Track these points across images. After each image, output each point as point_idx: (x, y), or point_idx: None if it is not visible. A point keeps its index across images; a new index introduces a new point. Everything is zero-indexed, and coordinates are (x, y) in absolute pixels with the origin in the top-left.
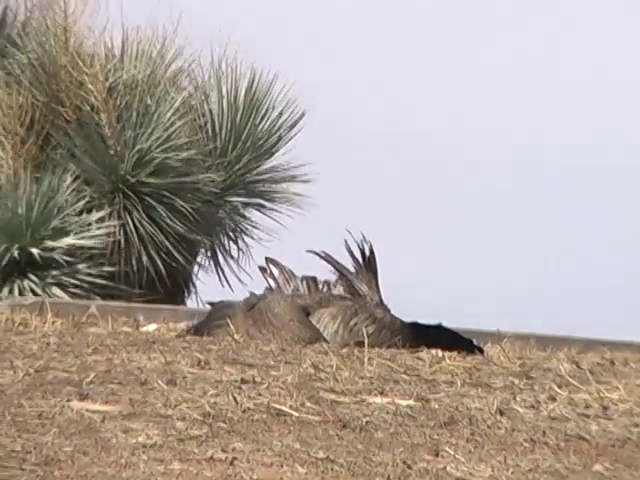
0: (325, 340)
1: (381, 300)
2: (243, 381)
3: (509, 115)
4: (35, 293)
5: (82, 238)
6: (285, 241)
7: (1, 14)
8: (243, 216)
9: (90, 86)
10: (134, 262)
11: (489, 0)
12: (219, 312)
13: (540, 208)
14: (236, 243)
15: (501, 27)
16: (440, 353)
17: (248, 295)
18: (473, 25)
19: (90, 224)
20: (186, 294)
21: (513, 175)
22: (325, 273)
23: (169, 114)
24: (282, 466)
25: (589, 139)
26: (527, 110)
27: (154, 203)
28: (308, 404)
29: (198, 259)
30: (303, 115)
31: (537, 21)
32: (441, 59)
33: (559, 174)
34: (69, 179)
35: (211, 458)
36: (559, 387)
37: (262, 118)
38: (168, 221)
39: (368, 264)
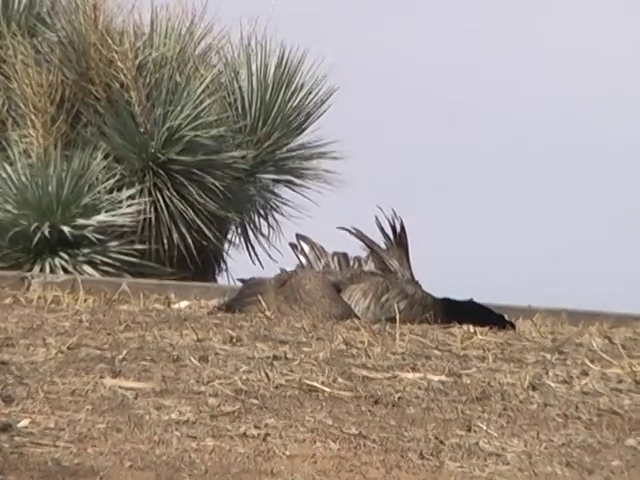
0: (356, 316)
1: (412, 276)
2: (275, 357)
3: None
4: (66, 271)
5: (113, 216)
6: (315, 218)
7: None
8: (273, 193)
9: (120, 64)
10: (165, 240)
11: None
12: (250, 289)
13: (576, 182)
14: (266, 220)
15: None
16: (472, 328)
17: (279, 272)
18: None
19: (121, 202)
20: (217, 271)
21: (549, 150)
22: (356, 249)
23: (199, 91)
24: (315, 442)
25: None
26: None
27: (184, 181)
28: (340, 380)
29: (229, 236)
30: (333, 91)
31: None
32: (475, 34)
33: (600, 150)
34: (99, 157)
35: (244, 434)
36: (591, 362)
37: (292, 95)
38: (198, 198)
39: (399, 240)
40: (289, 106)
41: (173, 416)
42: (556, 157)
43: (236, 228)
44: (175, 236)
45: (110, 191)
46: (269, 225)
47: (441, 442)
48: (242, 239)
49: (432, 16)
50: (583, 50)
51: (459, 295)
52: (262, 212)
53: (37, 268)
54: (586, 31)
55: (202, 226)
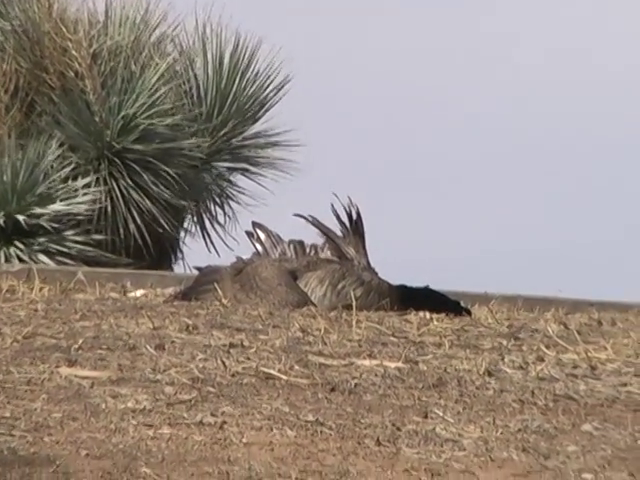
0: (313, 304)
1: (368, 263)
2: (231, 345)
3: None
4: (22, 260)
5: (68, 205)
6: (271, 206)
7: None
8: (229, 181)
9: (74, 52)
10: (121, 229)
11: None
12: (206, 277)
13: (521, 165)
14: (222, 208)
15: None
16: (428, 315)
17: (235, 260)
18: None
19: (76, 191)
20: (173, 260)
21: (489, 132)
22: (312, 237)
23: (154, 80)
24: (272, 429)
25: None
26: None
27: (140, 169)
28: (297, 367)
29: (185, 225)
30: (288, 80)
31: None
32: (425, 18)
33: (526, 124)
34: (54, 146)
35: (200, 422)
36: (547, 348)
37: (247, 83)
38: (154, 187)
39: (355, 228)
40: (244, 94)
41: (129, 405)
42: (510, 140)
43: (192, 216)
44: (131, 225)
45: (65, 180)
46: (225, 213)
47: (398, 429)
48: (198, 227)
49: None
50: (549, 38)
51: (415, 282)
52: (218, 200)
53: None
54: (554, 21)
55: (158, 215)
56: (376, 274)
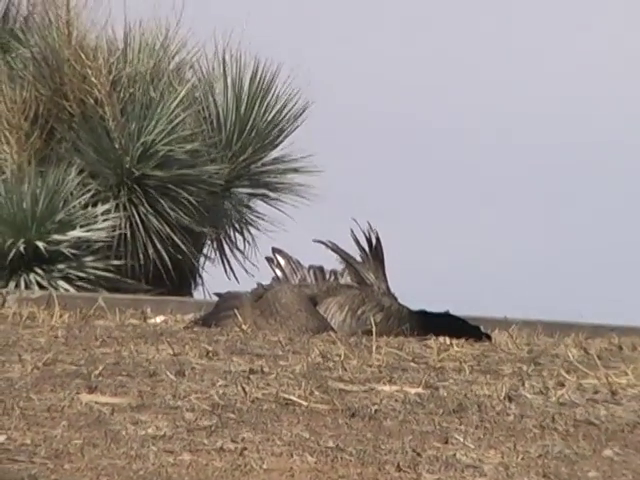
0: (333, 329)
1: (388, 288)
2: (251, 371)
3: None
4: (42, 287)
5: (88, 231)
6: (291, 232)
7: (4, 9)
8: (248, 207)
9: (94, 79)
10: (140, 255)
11: None
12: (226, 303)
13: (543, 192)
14: (242, 234)
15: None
16: (448, 340)
17: (255, 286)
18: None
19: (96, 217)
20: (193, 286)
21: (512, 159)
22: (332, 263)
23: (173, 106)
24: (292, 455)
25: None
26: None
27: (159, 196)
28: (317, 393)
29: (204, 251)
30: (307, 106)
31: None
32: (447, 50)
33: (558, 159)
34: (74, 172)
35: (221, 448)
36: (567, 373)
37: (266, 109)
38: (173, 213)
39: (375, 253)
40: (264, 120)
41: (150, 431)
42: (533, 167)
43: (212, 242)
44: (150, 251)
45: (85, 207)
46: (245, 239)
47: (418, 454)
48: (218, 253)
49: (402, 34)
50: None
51: (435, 307)
52: (237, 226)
53: (12, 284)
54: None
55: (177, 241)
56: (396, 299)
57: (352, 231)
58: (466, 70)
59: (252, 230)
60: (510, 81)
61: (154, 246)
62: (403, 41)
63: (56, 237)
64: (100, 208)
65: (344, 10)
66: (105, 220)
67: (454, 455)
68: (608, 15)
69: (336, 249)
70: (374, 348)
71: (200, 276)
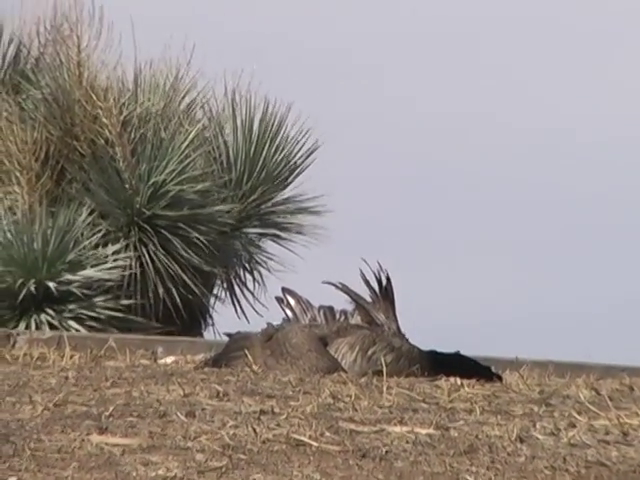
0: (343, 370)
1: (399, 329)
2: (262, 412)
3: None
4: (53, 327)
5: (99, 271)
6: (301, 272)
7: (14, 50)
8: (258, 247)
9: (104, 120)
10: (151, 294)
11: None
12: (236, 343)
13: (555, 231)
14: (252, 274)
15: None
16: (458, 381)
17: (265, 326)
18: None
19: (106, 257)
20: (203, 326)
21: (520, 196)
22: (342, 303)
23: (183, 146)
24: None
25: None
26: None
27: (169, 235)
28: (327, 434)
29: (214, 291)
30: (317, 145)
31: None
32: (452, 85)
33: (578, 195)
34: (85, 213)
35: None
36: (578, 414)
37: (276, 149)
38: (184, 253)
39: (385, 293)
40: (274, 160)
41: (160, 472)
42: (540, 203)
43: (222, 282)
44: (161, 291)
45: (95, 247)
46: (255, 279)
47: None
48: (228, 293)
49: (409, 67)
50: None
51: (445, 347)
52: (248, 266)
53: (23, 325)
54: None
55: (188, 281)
56: (406, 340)
57: (361, 271)
58: (482, 114)
59: (262, 270)
60: (527, 129)
61: (164, 285)
62: (415, 80)
63: (67, 277)
64: (110, 248)
65: (349, 50)
66: (115, 260)
67: None
68: None
69: (346, 290)
70: (385, 389)
71: (210, 316)
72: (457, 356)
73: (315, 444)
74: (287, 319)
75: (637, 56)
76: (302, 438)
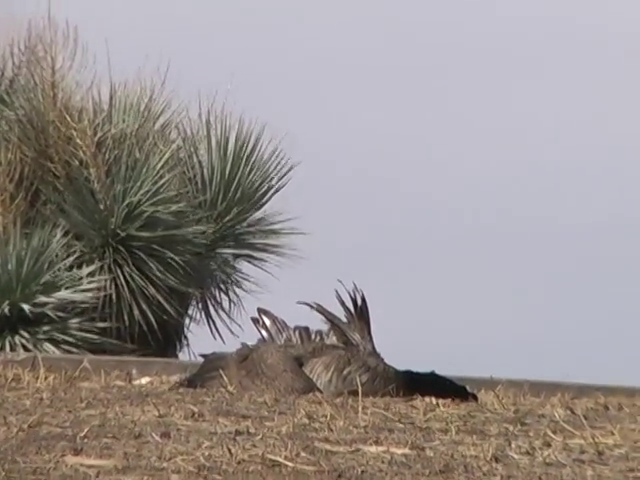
0: (319, 390)
1: (374, 349)
2: (237, 432)
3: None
4: (27, 349)
5: (73, 293)
6: (276, 292)
7: None
8: (233, 268)
9: (79, 141)
10: (125, 316)
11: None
12: (212, 364)
13: (525, 251)
14: (227, 295)
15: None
16: (434, 401)
17: (240, 346)
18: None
19: (81, 278)
20: (178, 347)
21: (492, 212)
22: (317, 323)
23: (158, 167)
24: None
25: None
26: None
27: (144, 256)
28: (303, 454)
29: (189, 311)
30: (292, 166)
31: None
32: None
33: (543, 214)
34: (59, 234)
35: None
36: (554, 433)
37: (251, 169)
38: (159, 274)
39: (360, 313)
40: (249, 180)
41: None
42: (510, 223)
43: (197, 303)
44: (136, 312)
45: (70, 268)
46: (230, 300)
47: None
48: (203, 314)
49: (385, 84)
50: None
51: (421, 367)
52: (223, 287)
53: None
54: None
55: (163, 302)
56: (382, 360)
57: (337, 291)
58: (466, 137)
59: (237, 290)
60: (522, 161)
61: (139, 307)
62: (389, 95)
63: (41, 299)
64: (85, 270)
65: (329, 72)
66: (90, 282)
67: None
68: None
69: (321, 310)
70: (360, 409)
71: (185, 337)
72: (432, 376)
73: (291, 464)
74: (262, 339)
75: None
76: (278, 458)
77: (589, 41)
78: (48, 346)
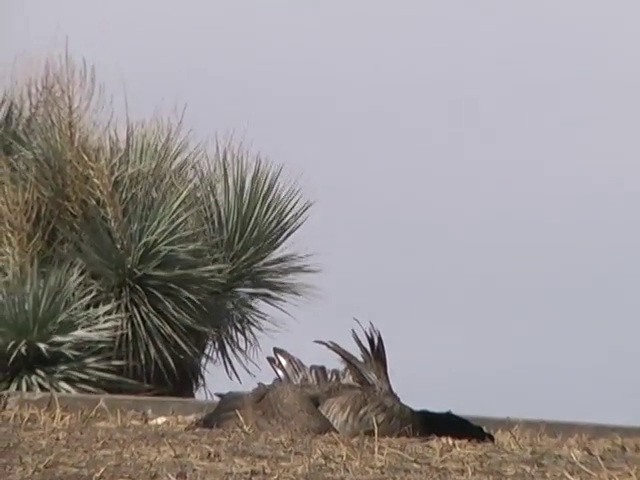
0: (335, 430)
1: (390, 389)
2: (253, 473)
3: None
4: (43, 388)
5: (90, 332)
6: (293, 332)
7: (6, 111)
8: (250, 307)
9: (96, 180)
10: (142, 355)
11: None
12: (228, 404)
13: (547, 294)
14: (243, 334)
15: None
16: (450, 441)
17: (257, 386)
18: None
19: (97, 318)
20: (194, 386)
21: (510, 257)
22: (333, 363)
23: (175, 206)
24: None
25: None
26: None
27: (161, 295)
28: None
29: (206, 351)
30: (308, 205)
31: None
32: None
33: (562, 254)
34: (76, 273)
35: None
36: (571, 474)
37: (268, 209)
38: (175, 313)
39: (377, 353)
40: (265, 220)
41: None
42: (524, 259)
43: (213, 342)
44: (152, 351)
45: (87, 307)
46: (246, 339)
47: None
48: (219, 353)
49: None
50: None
51: (437, 407)
52: (239, 326)
53: (14, 386)
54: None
55: (179, 341)
56: (398, 399)
57: (353, 331)
58: (472, 164)
59: (254, 330)
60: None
61: (156, 346)
62: (401, 129)
63: (58, 338)
64: (102, 309)
65: (340, 109)
66: (107, 321)
67: None
68: None
69: (337, 349)
70: (376, 449)
71: (202, 376)
72: (449, 416)
73: None
74: (279, 379)
75: None
76: None
77: None
78: (64, 385)
